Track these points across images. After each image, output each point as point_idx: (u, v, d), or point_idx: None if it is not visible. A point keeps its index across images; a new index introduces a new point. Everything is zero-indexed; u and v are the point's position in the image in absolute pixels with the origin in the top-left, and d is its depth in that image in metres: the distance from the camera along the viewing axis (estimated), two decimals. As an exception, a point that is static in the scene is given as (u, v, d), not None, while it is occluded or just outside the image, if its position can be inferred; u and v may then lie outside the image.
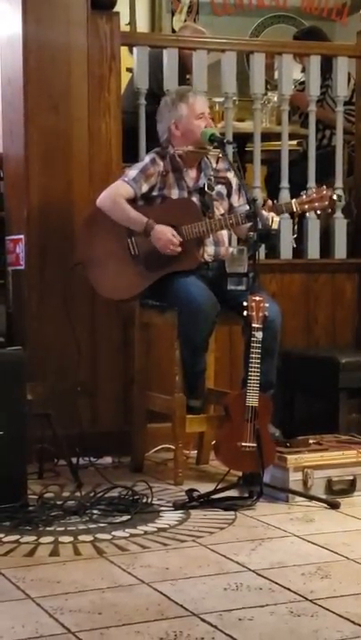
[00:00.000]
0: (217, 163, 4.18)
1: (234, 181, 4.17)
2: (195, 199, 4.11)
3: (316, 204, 4.06)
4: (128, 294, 4.11)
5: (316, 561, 3.05)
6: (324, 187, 4.12)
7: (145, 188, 4.08)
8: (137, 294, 4.10)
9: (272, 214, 3.94)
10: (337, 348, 4.74)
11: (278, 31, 7.05)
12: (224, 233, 4.16)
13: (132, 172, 4.10)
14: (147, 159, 4.13)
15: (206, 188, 4.11)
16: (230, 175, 4.17)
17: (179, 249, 3.97)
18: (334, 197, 4.09)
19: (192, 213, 4.05)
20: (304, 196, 4.07)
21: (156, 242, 3.98)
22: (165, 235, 3.96)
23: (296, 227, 4.98)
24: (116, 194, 4.05)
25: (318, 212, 4.28)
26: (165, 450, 4.39)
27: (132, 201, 4.07)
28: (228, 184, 4.18)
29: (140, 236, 4.03)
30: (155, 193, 4.10)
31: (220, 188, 4.16)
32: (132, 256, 4.06)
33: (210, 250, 4.12)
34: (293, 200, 4.09)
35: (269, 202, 4.06)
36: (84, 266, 4.09)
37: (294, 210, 4.07)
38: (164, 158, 4.11)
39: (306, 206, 4.06)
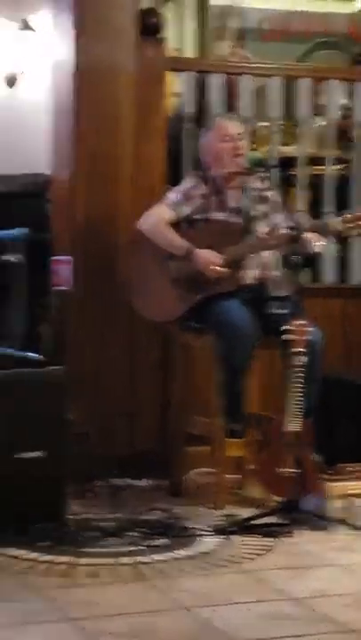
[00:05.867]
0: (260, 183, 4.20)
1: (275, 200, 4.17)
2: (237, 220, 4.12)
3: None
4: (169, 317, 4.11)
5: (356, 591, 3.01)
6: None
7: (186, 211, 4.10)
8: (178, 317, 4.11)
9: (315, 236, 3.92)
10: (378, 375, 4.69)
11: (325, 57, 7.05)
12: (267, 255, 4.16)
13: (173, 195, 4.13)
14: (188, 182, 4.17)
15: (248, 210, 4.12)
16: (271, 194, 4.17)
17: (222, 270, 3.97)
18: None
19: (234, 235, 4.06)
20: (349, 215, 4.02)
21: (199, 265, 3.99)
22: (207, 257, 3.97)
23: (340, 250, 4.95)
24: (158, 218, 4.08)
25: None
26: (204, 473, 4.37)
27: (175, 224, 4.09)
28: (269, 203, 4.19)
29: (181, 259, 4.04)
30: (197, 216, 4.12)
31: (263, 207, 4.17)
32: (174, 278, 4.08)
33: (252, 273, 4.11)
34: (338, 219, 4.04)
35: (314, 222, 4.04)
36: (127, 288, 4.11)
37: (339, 229, 4.02)
38: (205, 181, 4.14)
39: (351, 224, 4.00)
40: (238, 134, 4.15)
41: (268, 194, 4.19)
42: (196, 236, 4.05)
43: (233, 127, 4.17)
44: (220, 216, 4.12)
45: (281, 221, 4.15)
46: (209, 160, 4.18)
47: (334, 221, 4.06)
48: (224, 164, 4.12)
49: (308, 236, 3.91)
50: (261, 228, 4.14)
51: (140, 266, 4.14)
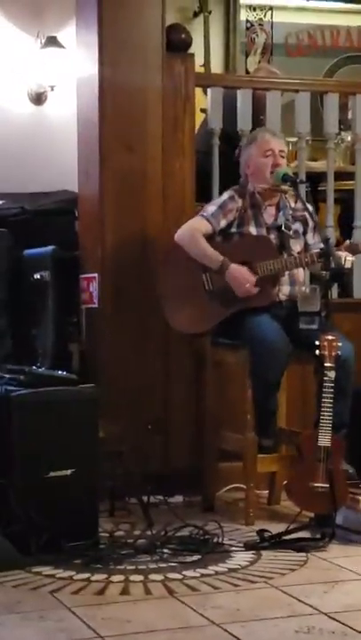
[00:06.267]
0: (295, 202, 4.20)
1: (310, 220, 4.18)
2: (272, 237, 4.13)
3: None
4: (200, 329, 4.13)
5: (390, 606, 2.99)
6: None
7: (223, 223, 4.12)
8: (209, 329, 4.11)
9: (346, 253, 3.94)
10: None
11: (353, 71, 7.05)
12: (300, 272, 4.16)
13: (211, 207, 4.15)
14: (225, 196, 4.18)
15: (284, 227, 4.12)
16: (306, 213, 4.18)
17: (255, 290, 3.97)
18: None
19: (268, 250, 4.07)
20: None
21: (232, 280, 4.00)
22: (241, 274, 3.98)
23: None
24: (194, 229, 4.10)
25: None
26: (237, 489, 4.36)
27: (210, 236, 4.11)
28: (304, 222, 4.19)
29: (215, 272, 4.06)
30: (233, 229, 4.14)
31: (298, 226, 4.18)
32: (207, 291, 4.09)
33: (285, 289, 4.11)
34: None
35: (347, 242, 4.05)
36: (158, 302, 4.14)
37: None
38: (243, 196, 4.15)
39: None
40: (281, 151, 4.16)
41: (303, 213, 4.19)
42: (229, 250, 4.06)
43: (276, 143, 4.16)
44: (255, 231, 4.13)
45: (314, 241, 4.16)
46: (248, 174, 4.18)
47: None
48: (263, 179, 4.12)
49: (339, 252, 3.93)
50: (295, 247, 4.14)
51: (172, 278, 4.15)
